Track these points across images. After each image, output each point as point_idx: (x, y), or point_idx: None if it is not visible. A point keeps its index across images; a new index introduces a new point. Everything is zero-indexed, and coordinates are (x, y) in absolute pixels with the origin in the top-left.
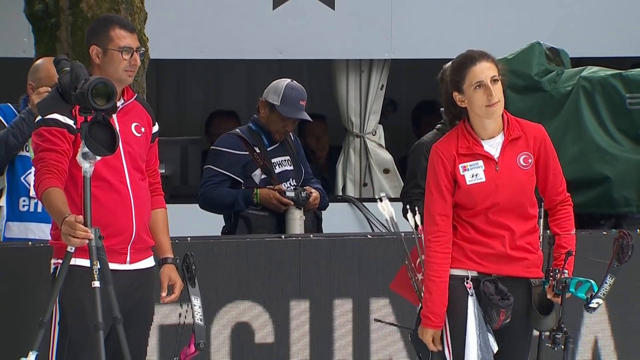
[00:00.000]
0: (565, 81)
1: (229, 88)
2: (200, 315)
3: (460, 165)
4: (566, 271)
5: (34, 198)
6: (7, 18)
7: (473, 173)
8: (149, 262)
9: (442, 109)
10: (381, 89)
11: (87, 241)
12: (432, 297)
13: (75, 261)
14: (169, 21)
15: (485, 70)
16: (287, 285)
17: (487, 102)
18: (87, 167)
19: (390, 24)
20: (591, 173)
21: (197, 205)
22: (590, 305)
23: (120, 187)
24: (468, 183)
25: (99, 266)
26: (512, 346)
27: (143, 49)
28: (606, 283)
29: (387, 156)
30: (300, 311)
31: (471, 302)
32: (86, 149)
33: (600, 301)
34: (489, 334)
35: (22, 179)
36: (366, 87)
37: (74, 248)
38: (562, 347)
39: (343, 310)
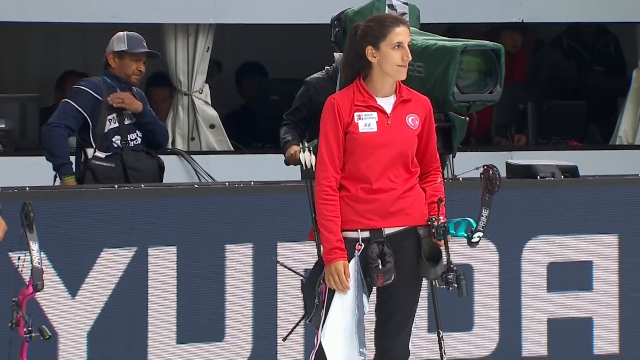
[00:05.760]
0: None
1: (65, 50)
2: (38, 259)
3: (355, 114)
4: (441, 217)
5: None
6: None
7: (366, 122)
8: None
9: (335, 53)
10: (207, 51)
11: None
12: (334, 233)
13: None
14: None
15: (405, 35)
16: (120, 233)
17: (400, 62)
18: None
19: None
20: None
21: (36, 158)
22: (473, 240)
23: None
24: (360, 131)
25: None
26: (398, 293)
27: None
28: (483, 216)
29: (213, 112)
30: (127, 258)
31: (352, 264)
32: None
33: (481, 234)
34: (364, 295)
35: None
36: (193, 49)
37: None
38: (456, 285)
39: (168, 256)
